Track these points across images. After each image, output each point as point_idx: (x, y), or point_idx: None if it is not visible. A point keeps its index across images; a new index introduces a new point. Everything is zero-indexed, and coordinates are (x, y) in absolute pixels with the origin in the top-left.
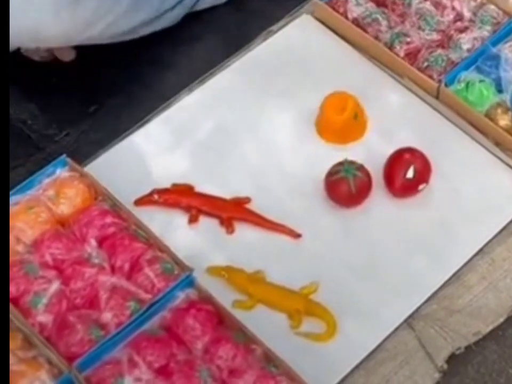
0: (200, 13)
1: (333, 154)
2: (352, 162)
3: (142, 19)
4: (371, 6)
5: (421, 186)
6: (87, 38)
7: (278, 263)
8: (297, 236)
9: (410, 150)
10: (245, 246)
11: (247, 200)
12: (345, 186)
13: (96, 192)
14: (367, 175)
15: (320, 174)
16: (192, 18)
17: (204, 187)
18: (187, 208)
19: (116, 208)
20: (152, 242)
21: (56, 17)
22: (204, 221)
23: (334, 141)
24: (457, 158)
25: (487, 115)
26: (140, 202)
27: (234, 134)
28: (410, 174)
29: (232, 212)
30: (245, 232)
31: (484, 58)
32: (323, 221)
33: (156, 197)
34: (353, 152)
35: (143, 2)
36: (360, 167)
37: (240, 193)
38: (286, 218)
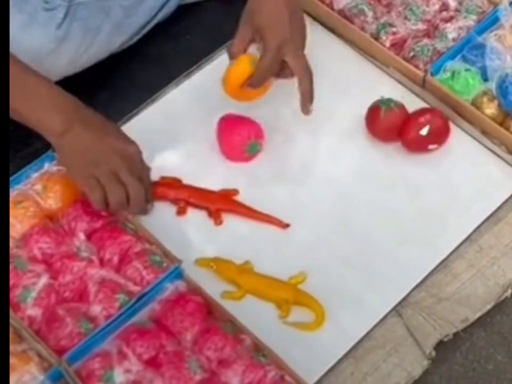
0: (187, 8)
1: None
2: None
3: (125, 38)
4: None
5: (431, 146)
6: (71, 71)
7: (266, 253)
8: (285, 226)
9: (431, 111)
10: (233, 237)
11: (235, 192)
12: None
13: None
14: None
15: (308, 162)
16: (180, 12)
17: (191, 180)
18: (175, 201)
19: None
20: (141, 234)
21: (39, 66)
22: (192, 213)
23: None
24: (444, 146)
25: (473, 104)
26: None
27: None
28: (424, 131)
29: (220, 203)
30: (233, 224)
31: (469, 48)
32: (311, 210)
33: None
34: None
35: (124, 23)
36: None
37: (228, 185)
38: (274, 209)
